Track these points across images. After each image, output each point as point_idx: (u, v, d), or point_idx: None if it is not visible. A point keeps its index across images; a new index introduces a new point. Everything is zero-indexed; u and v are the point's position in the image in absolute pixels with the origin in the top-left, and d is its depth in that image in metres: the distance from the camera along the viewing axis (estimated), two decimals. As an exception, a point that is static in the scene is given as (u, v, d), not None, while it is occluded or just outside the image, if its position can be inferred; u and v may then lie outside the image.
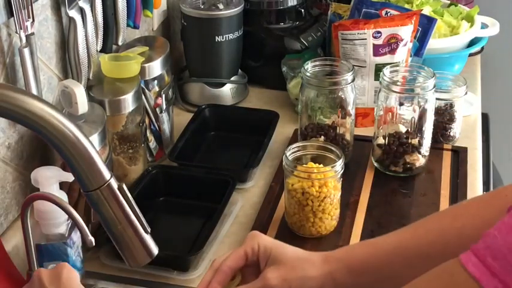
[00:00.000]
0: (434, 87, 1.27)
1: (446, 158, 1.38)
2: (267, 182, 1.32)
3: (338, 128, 1.33)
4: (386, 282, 0.88)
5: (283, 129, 1.48)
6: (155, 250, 0.84)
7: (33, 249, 0.93)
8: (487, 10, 1.78)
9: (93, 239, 0.90)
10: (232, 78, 1.62)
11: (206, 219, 1.20)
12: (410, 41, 1.44)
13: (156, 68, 1.34)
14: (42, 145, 1.16)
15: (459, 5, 1.74)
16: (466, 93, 1.42)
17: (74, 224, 0.96)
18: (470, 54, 1.70)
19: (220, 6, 1.55)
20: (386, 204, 1.25)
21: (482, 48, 1.75)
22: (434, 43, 1.55)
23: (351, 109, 1.33)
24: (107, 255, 1.13)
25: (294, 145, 1.19)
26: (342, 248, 0.94)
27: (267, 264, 0.91)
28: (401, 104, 1.29)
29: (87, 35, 1.19)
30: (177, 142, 1.39)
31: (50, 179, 0.99)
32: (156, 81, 1.35)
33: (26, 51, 1.04)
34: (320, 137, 1.33)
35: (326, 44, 1.66)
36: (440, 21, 1.63)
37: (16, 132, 1.11)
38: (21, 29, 1.03)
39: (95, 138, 1.09)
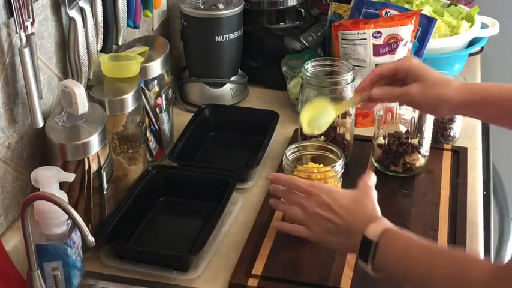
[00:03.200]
0: (434, 87, 1.27)
1: (446, 158, 1.37)
2: (267, 182, 1.32)
3: (338, 128, 1.33)
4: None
5: (283, 129, 1.48)
6: None
7: (33, 249, 0.93)
8: (487, 10, 1.78)
9: (93, 239, 0.90)
10: (232, 78, 1.62)
11: (206, 219, 1.20)
12: (410, 41, 1.44)
13: (156, 68, 1.34)
14: (42, 145, 1.16)
15: (459, 5, 1.74)
16: (466, 93, 1.42)
17: (74, 224, 0.96)
18: (470, 54, 1.70)
19: (220, 6, 1.55)
20: (386, 204, 1.24)
21: (482, 48, 1.74)
22: (434, 43, 1.55)
23: (351, 109, 1.33)
24: (107, 255, 1.13)
25: (294, 145, 1.19)
26: (481, 84, 1.10)
27: (412, 81, 1.09)
28: (401, 104, 1.29)
29: (87, 35, 1.19)
30: (177, 142, 1.39)
31: (50, 179, 0.99)
32: (156, 81, 1.35)
33: (26, 51, 1.04)
34: (320, 137, 1.33)
35: (326, 44, 1.66)
36: (440, 21, 1.63)
37: (16, 132, 1.11)
38: (21, 29, 1.03)
39: (95, 138, 1.09)
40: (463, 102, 1.08)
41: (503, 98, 1.08)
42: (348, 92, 1.31)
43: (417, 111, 1.28)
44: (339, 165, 1.15)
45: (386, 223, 0.99)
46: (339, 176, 1.16)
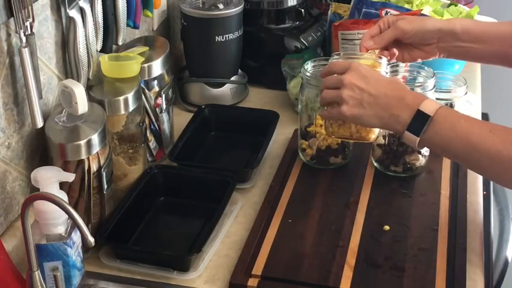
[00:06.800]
0: (434, 87, 1.27)
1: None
2: (267, 182, 1.32)
3: (338, 128, 1.33)
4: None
5: (283, 129, 1.48)
6: None
7: (33, 249, 0.93)
8: (487, 10, 1.77)
9: (93, 239, 0.90)
10: (232, 78, 1.62)
11: (206, 219, 1.20)
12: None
13: (156, 68, 1.34)
14: (42, 145, 1.16)
15: (459, 5, 1.74)
16: (466, 93, 1.42)
17: (74, 224, 0.96)
18: (470, 54, 1.69)
19: (220, 6, 1.55)
20: (386, 204, 1.25)
21: (482, 48, 1.74)
22: (435, 43, 1.55)
23: (351, 109, 1.33)
24: (107, 255, 1.13)
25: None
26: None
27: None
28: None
29: (87, 35, 1.19)
30: (177, 142, 1.39)
31: (50, 179, 0.99)
32: (156, 81, 1.36)
33: (26, 51, 1.04)
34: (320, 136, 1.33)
35: (326, 44, 1.66)
36: (440, 21, 1.62)
37: (16, 132, 1.11)
38: (21, 29, 1.03)
39: (95, 138, 1.09)
40: (446, 29, 1.23)
41: (481, 32, 1.23)
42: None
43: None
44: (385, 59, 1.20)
45: (438, 102, 1.08)
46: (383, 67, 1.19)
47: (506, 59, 1.24)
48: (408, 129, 1.06)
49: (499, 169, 1.03)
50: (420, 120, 1.05)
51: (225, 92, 1.60)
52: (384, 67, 1.19)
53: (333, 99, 1.13)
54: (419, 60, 1.30)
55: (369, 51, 1.22)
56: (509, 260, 1.37)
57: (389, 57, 1.24)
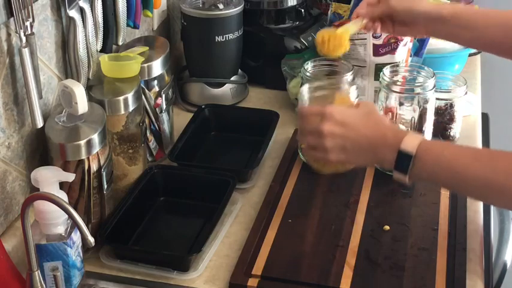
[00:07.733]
0: (434, 87, 1.27)
1: (446, 158, 1.37)
2: (267, 182, 1.32)
3: (338, 128, 1.33)
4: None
5: (283, 129, 1.48)
6: None
7: (33, 249, 0.93)
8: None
9: (93, 239, 0.90)
10: (232, 78, 1.62)
11: (206, 219, 1.20)
12: (410, 41, 1.44)
13: (156, 68, 1.34)
14: (42, 145, 1.16)
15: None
16: (466, 93, 1.42)
17: (74, 224, 0.96)
18: (470, 54, 1.70)
19: (220, 6, 1.55)
20: (386, 204, 1.25)
21: (482, 48, 1.74)
22: (434, 43, 1.55)
23: (351, 109, 1.33)
24: (107, 255, 1.13)
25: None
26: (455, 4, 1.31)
27: None
28: (401, 104, 1.29)
29: (87, 35, 1.19)
30: (177, 142, 1.39)
31: (50, 179, 0.99)
32: (156, 81, 1.36)
33: (26, 51, 1.04)
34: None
35: (326, 43, 1.65)
36: (440, 21, 1.62)
37: (16, 132, 1.11)
38: (21, 29, 1.03)
39: (95, 138, 1.09)
40: (434, 14, 1.24)
41: (471, 19, 1.23)
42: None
43: (417, 111, 1.28)
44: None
45: (418, 135, 1.05)
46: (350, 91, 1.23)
47: (501, 49, 1.24)
48: (395, 170, 1.05)
49: (491, 196, 1.01)
50: (404, 160, 1.03)
51: (225, 92, 1.60)
52: (353, 93, 1.23)
53: (316, 147, 1.12)
54: (408, 37, 1.34)
55: (358, 17, 1.29)
56: (509, 260, 1.37)
57: (373, 30, 1.29)
